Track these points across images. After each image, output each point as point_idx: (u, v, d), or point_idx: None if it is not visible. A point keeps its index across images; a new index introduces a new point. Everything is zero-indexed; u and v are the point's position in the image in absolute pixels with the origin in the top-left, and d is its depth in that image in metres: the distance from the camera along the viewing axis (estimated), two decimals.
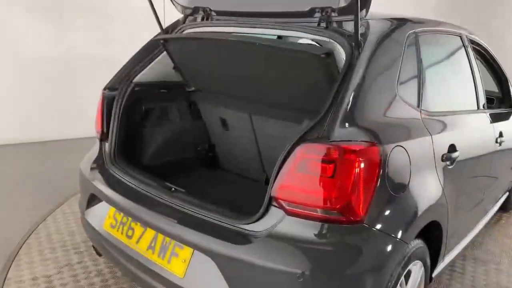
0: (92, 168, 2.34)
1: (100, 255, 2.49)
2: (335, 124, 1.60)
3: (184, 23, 2.53)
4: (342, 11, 1.85)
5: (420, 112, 1.99)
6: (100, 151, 2.38)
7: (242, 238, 1.66)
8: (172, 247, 1.84)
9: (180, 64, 2.58)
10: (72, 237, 3.05)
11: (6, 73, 4.85)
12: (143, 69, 2.47)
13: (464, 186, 2.41)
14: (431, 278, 2.18)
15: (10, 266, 2.67)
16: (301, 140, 1.62)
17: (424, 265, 2.02)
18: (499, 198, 3.46)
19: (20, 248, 2.87)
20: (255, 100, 2.48)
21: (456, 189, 2.23)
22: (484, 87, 2.82)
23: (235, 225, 1.71)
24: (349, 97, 1.65)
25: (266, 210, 1.67)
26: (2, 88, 4.85)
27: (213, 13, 2.41)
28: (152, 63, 2.51)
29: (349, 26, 1.90)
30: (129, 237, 2.01)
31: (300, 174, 1.60)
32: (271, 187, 1.65)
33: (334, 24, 1.94)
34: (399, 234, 1.68)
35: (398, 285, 1.76)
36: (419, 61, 2.06)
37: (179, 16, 2.58)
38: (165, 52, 2.51)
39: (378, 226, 1.62)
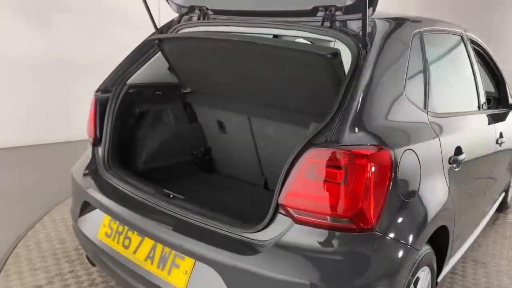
0: (84, 174, 2.24)
1: (94, 265, 2.39)
2: (344, 128, 1.53)
3: (179, 22, 2.46)
4: (348, 10, 1.78)
5: (427, 113, 1.94)
6: (93, 156, 2.29)
7: (248, 248, 1.59)
8: (172, 258, 1.75)
9: (176, 65, 2.50)
10: (63, 244, 2.94)
11: None
12: (137, 70, 2.39)
13: (467, 188, 2.37)
14: (436, 283, 2.14)
15: None
16: (309, 144, 1.55)
17: (431, 270, 1.97)
18: (497, 199, 3.45)
19: (8, 258, 2.75)
20: (254, 102, 2.42)
21: (461, 192, 2.20)
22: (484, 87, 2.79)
23: (240, 234, 1.64)
24: (358, 99, 1.59)
25: (272, 218, 1.59)
26: None
27: (210, 12, 2.34)
28: (147, 64, 2.43)
29: (353, 25, 1.84)
30: (126, 247, 1.92)
31: (308, 180, 1.53)
32: (278, 194, 1.57)
33: (337, 24, 1.88)
34: (411, 241, 1.63)
35: None
36: (425, 61, 2.01)
37: (174, 15, 2.50)
38: (160, 53, 2.43)
39: (390, 234, 1.56)
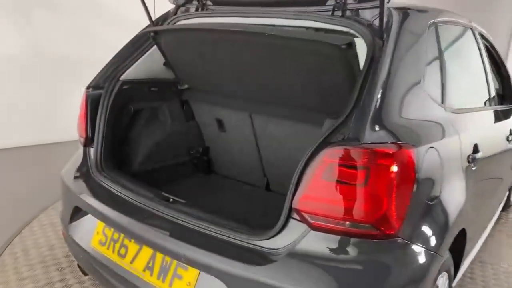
0: (75, 177, 2.09)
1: (86, 274, 2.23)
2: (364, 124, 1.40)
3: (175, 14, 2.31)
4: None
5: (445, 109, 1.82)
6: (84, 157, 2.13)
7: (259, 257, 1.45)
8: (174, 268, 1.61)
9: (172, 59, 2.36)
10: (52, 251, 2.77)
11: None
12: (131, 65, 2.25)
13: (481, 188, 2.27)
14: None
15: None
16: (325, 142, 1.41)
17: (449, 275, 1.86)
18: (503, 198, 3.37)
19: None
20: (257, 98, 2.28)
21: (476, 191, 2.10)
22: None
23: (249, 241, 1.50)
24: (377, 93, 1.46)
25: (285, 224, 1.45)
26: None
27: (209, 3, 2.20)
28: (141, 58, 2.29)
29: (366, 14, 1.71)
30: (122, 256, 1.77)
31: (326, 182, 1.39)
32: (291, 198, 1.44)
33: (348, 12, 1.75)
34: (436, 247, 1.51)
35: None
36: (440, 53, 1.90)
37: (170, 7, 2.35)
38: (155, 46, 2.30)
39: (414, 240, 1.44)
